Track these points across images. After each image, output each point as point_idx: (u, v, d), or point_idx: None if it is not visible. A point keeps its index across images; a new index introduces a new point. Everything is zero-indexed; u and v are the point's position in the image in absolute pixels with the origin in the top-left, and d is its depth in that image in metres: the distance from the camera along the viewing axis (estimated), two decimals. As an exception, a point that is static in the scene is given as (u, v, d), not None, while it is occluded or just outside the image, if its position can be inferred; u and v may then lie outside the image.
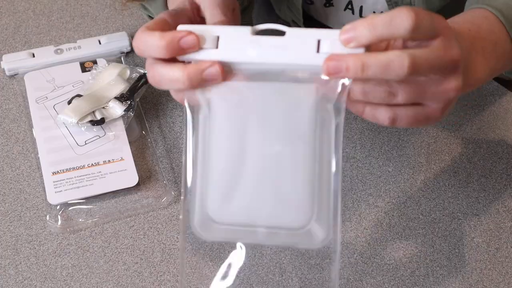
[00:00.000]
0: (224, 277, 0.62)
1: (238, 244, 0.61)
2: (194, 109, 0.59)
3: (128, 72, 0.88)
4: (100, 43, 0.93)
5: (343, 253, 0.78)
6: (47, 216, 0.79)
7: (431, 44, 0.55)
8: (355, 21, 0.54)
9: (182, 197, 0.59)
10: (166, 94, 0.90)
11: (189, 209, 0.59)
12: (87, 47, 0.92)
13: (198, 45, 0.57)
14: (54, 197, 0.80)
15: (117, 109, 0.85)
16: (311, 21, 0.96)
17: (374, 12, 0.87)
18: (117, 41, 0.93)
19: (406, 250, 0.78)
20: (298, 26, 0.94)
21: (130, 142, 0.84)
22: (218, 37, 0.57)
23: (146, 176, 0.83)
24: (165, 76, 0.58)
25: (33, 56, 0.91)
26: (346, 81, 0.55)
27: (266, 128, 0.57)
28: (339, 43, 0.55)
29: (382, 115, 0.58)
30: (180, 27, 0.58)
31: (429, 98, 0.57)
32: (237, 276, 0.75)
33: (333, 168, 0.56)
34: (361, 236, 0.79)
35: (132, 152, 0.83)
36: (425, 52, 0.54)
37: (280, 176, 0.57)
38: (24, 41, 0.95)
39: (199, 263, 0.74)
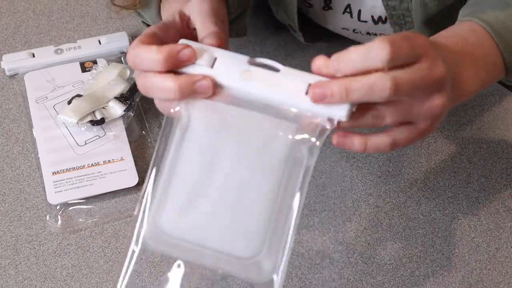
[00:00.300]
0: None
1: (177, 263, 0.59)
2: (174, 120, 0.59)
3: (128, 72, 0.88)
4: (100, 43, 0.93)
5: (343, 253, 0.78)
6: (47, 216, 0.79)
7: (414, 65, 0.56)
8: (339, 53, 0.55)
9: (139, 201, 0.59)
10: (166, 94, 0.89)
11: (143, 214, 0.58)
12: (87, 47, 0.92)
13: (195, 58, 0.58)
14: (54, 197, 0.80)
15: (117, 109, 0.85)
16: (309, 25, 0.96)
17: (372, 16, 0.87)
18: (117, 41, 0.93)
19: (406, 250, 0.78)
20: (294, 30, 0.94)
21: (130, 142, 0.84)
22: (215, 58, 0.59)
23: (146, 176, 0.82)
24: (157, 85, 0.59)
25: (33, 56, 0.91)
26: (326, 125, 0.57)
27: (239, 155, 0.58)
28: None
29: (383, 144, 0.59)
30: (182, 41, 0.59)
31: (415, 116, 0.59)
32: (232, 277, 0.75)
33: (294, 207, 0.57)
34: (361, 236, 0.79)
35: (132, 152, 0.83)
36: (408, 73, 0.55)
37: (241, 204, 0.57)
38: (24, 41, 0.95)
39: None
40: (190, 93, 0.58)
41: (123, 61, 0.92)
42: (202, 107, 0.59)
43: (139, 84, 0.60)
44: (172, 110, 0.60)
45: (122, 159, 0.83)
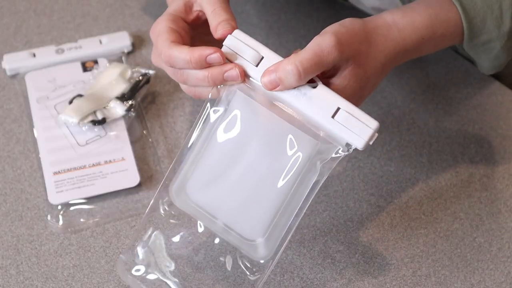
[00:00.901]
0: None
1: (198, 222, 0.70)
2: (213, 103, 0.67)
3: (129, 72, 0.88)
4: (101, 42, 0.93)
5: (344, 253, 0.77)
6: (48, 216, 0.79)
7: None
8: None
9: (173, 161, 0.68)
10: (167, 94, 0.89)
11: (175, 174, 0.67)
12: (88, 47, 0.92)
13: (223, 61, 0.64)
14: (55, 197, 0.79)
15: (118, 109, 0.85)
16: None
17: None
18: (118, 41, 0.93)
19: (408, 250, 0.78)
20: None
21: (131, 142, 0.84)
22: (262, 58, 0.63)
23: (147, 176, 0.82)
24: (191, 76, 0.65)
25: (34, 56, 0.91)
26: (343, 149, 0.63)
27: (262, 152, 0.64)
28: (351, 117, 0.62)
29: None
30: (236, 32, 0.64)
31: None
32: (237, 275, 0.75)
33: (296, 212, 0.65)
34: (363, 236, 0.79)
35: (133, 152, 0.83)
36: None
37: (254, 194, 0.65)
38: (25, 41, 0.95)
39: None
40: (221, 81, 0.64)
41: (124, 61, 0.92)
42: (240, 101, 0.65)
43: (174, 76, 0.67)
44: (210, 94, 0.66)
45: (123, 159, 0.83)
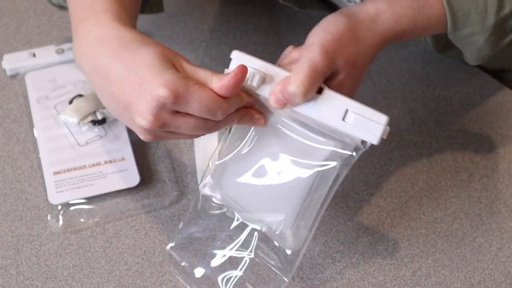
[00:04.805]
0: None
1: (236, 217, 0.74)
2: None
3: (129, 71, 0.88)
4: (101, 42, 0.93)
5: (344, 253, 0.77)
6: (48, 216, 0.79)
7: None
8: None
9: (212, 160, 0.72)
10: (167, 93, 0.89)
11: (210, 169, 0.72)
12: (88, 47, 0.92)
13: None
14: (55, 197, 0.79)
15: (118, 109, 0.85)
16: None
17: None
18: (118, 41, 0.93)
19: (407, 250, 0.78)
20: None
21: (131, 142, 0.84)
22: (265, 76, 0.65)
23: (147, 176, 0.82)
24: (222, 107, 0.64)
25: (34, 56, 0.91)
26: (359, 147, 0.65)
27: (283, 158, 0.69)
28: (361, 117, 0.63)
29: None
30: (235, 53, 0.64)
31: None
32: (238, 270, 0.75)
33: (320, 205, 0.69)
34: (363, 236, 0.79)
35: (133, 152, 0.83)
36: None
37: (280, 191, 0.69)
38: (25, 41, 0.95)
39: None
40: (248, 123, 0.68)
41: (124, 61, 0.92)
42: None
43: (205, 127, 0.65)
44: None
45: (123, 159, 0.83)
